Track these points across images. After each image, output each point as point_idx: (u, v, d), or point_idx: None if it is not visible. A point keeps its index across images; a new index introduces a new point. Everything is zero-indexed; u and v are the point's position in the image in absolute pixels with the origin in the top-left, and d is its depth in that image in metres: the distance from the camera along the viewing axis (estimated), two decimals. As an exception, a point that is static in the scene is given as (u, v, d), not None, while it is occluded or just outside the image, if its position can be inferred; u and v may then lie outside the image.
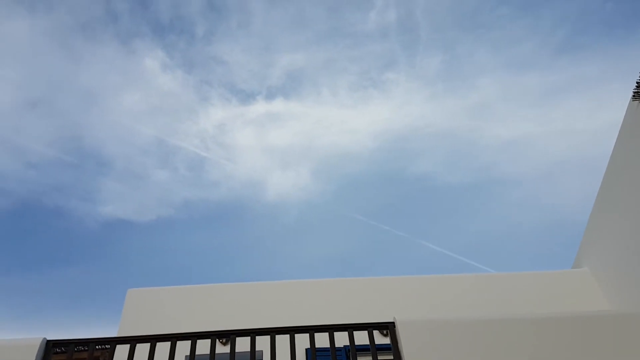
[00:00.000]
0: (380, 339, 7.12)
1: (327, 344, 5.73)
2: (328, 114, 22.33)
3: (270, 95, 22.99)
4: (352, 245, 23.78)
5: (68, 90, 22.85)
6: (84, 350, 6.50)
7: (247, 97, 23.25)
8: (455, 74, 20.99)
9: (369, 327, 5.53)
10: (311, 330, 5.40)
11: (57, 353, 5.56)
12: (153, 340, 5.27)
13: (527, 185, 22.42)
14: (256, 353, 6.50)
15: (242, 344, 5.77)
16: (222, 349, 7.91)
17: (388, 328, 5.65)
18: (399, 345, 5.48)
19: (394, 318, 5.68)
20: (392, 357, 6.78)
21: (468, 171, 22.05)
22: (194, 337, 5.31)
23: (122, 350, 5.75)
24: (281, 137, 23.11)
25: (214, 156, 23.32)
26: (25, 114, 22.35)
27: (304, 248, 23.58)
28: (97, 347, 5.49)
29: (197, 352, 5.50)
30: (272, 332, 5.35)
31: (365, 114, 22.06)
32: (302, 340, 6.24)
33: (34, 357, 5.28)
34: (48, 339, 5.50)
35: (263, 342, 5.84)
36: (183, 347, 5.68)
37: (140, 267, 23.57)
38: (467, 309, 8.44)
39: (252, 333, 5.35)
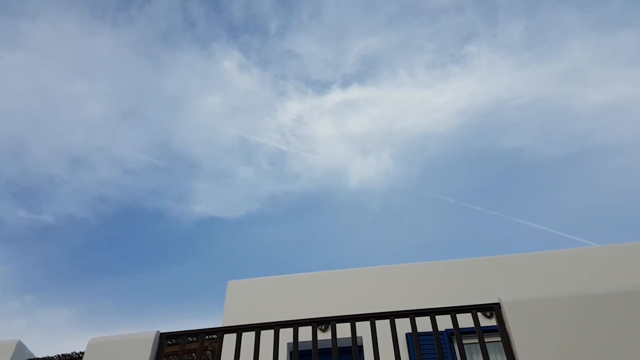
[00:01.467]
0: (483, 321, 6.88)
1: (427, 329, 5.60)
2: (406, 96, 21.89)
3: (345, 83, 22.90)
4: (442, 230, 23.25)
5: (155, 98, 24.06)
6: (194, 341, 6.81)
7: (322, 87, 23.31)
8: (541, 39, 19.81)
9: (473, 309, 5.33)
10: (412, 314, 5.29)
11: (170, 345, 5.85)
12: (257, 328, 5.40)
13: (628, 153, 20.79)
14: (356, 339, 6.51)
15: (341, 331, 5.79)
16: (321, 335, 8.02)
17: (493, 309, 5.43)
18: (506, 326, 5.24)
19: (499, 298, 5.44)
20: (498, 339, 6.53)
21: (563, 142, 20.80)
22: (295, 324, 5.38)
23: (227, 339, 5.97)
24: (360, 123, 22.97)
25: (294, 149, 23.64)
26: (119, 124, 23.84)
27: (391, 235, 23.38)
28: (206, 337, 5.72)
29: (299, 339, 5.59)
30: (372, 317, 5.30)
31: (446, 91, 21.40)
32: (403, 326, 6.15)
33: (150, 349, 5.59)
34: (160, 332, 5.81)
35: (362, 328, 5.83)
36: (284, 334, 5.77)
37: (233, 260, 24.46)
38: (574, 284, 7.97)
39: (352, 319, 5.33)
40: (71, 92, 22.89)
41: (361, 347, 7.24)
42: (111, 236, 25.35)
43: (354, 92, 22.57)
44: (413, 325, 5.28)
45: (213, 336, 6.09)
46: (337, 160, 23.64)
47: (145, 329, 6.04)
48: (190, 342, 6.41)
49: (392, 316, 5.30)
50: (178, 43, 23.75)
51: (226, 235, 25.90)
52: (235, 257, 24.59)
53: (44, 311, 22.99)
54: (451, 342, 7.29)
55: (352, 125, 22.96)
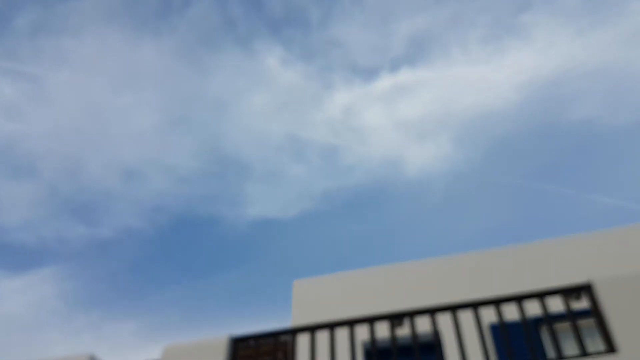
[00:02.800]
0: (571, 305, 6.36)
1: (511, 318, 5.21)
2: (462, 75, 21.14)
3: (394, 67, 22.37)
4: (512, 214, 22.33)
5: (201, 103, 24.33)
6: (266, 343, 6.67)
7: (370, 74, 22.86)
8: (600, 2, 18.62)
9: (563, 291, 4.89)
10: (497, 302, 4.91)
11: (242, 348, 5.72)
12: (332, 326, 5.18)
13: None
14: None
15: (419, 325, 5.46)
16: (397, 331, 7.71)
17: (584, 290, 4.96)
18: (599, 308, 4.78)
19: (590, 279, 4.97)
20: (588, 324, 6.01)
21: (633, 109, 19.50)
22: (371, 320, 5.12)
23: (300, 340, 5.78)
24: (413, 108, 22.40)
25: (345, 142, 23.30)
26: (168, 133, 24.27)
27: (457, 223, 22.67)
28: (280, 339, 5.56)
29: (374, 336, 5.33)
30: (454, 307, 4.97)
31: (504, 66, 20.50)
32: (485, 317, 5.75)
33: (223, 353, 5.48)
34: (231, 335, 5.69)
35: (441, 322, 5.48)
36: (358, 332, 5.51)
37: (292, 260, 24.43)
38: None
39: (432, 311, 5.02)
40: (119, 104, 23.45)
41: (439, 343, 6.88)
42: (170, 246, 25.85)
43: (405, 76, 22.03)
44: (499, 313, 4.90)
45: (284, 338, 5.92)
46: (392, 150, 23.17)
47: (211, 336, 5.94)
48: (262, 344, 6.26)
49: (475, 305, 4.95)
50: (220, 44, 23.90)
51: (283, 235, 25.92)
52: (295, 257, 24.56)
53: (110, 325, 23.58)
54: (538, 330, 6.82)
55: (405, 111, 22.44)
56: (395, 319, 5.20)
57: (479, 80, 20.81)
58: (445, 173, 22.90)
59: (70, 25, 22.47)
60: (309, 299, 8.23)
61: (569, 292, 4.95)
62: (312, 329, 5.24)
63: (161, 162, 24.00)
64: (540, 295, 4.89)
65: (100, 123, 23.80)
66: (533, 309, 5.49)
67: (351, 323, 5.15)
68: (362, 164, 23.58)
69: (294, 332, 5.33)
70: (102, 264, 25.07)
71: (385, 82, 22.44)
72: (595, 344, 5.83)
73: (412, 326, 5.06)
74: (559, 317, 5.45)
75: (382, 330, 5.56)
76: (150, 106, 23.84)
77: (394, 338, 5.02)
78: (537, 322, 6.72)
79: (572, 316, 4.81)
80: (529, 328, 4.67)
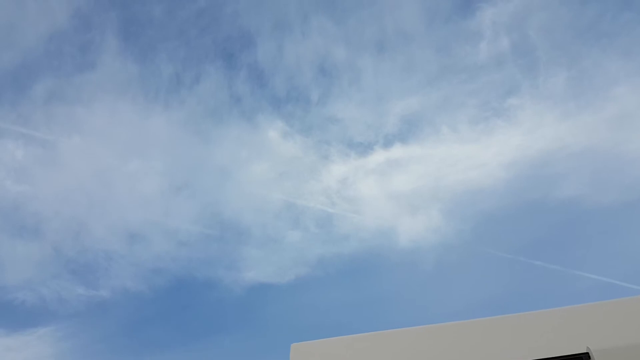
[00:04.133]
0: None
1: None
2: (451, 152, 21.91)
3: (388, 143, 23.17)
4: (501, 286, 22.44)
5: (205, 171, 24.90)
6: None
7: (365, 148, 23.65)
8: (586, 88, 19.72)
9: (562, 359, 5.02)
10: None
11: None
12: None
13: (691, 196, 19.94)
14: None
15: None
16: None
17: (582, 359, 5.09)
18: (598, 378, 4.90)
19: (588, 347, 5.12)
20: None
21: (619, 189, 20.15)
22: None
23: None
24: (405, 182, 22.99)
25: (340, 210, 23.72)
26: (172, 198, 24.66)
27: (447, 294, 22.69)
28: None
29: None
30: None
31: (492, 145, 21.32)
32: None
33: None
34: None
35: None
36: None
37: (287, 326, 24.06)
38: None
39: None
40: (127, 170, 24.00)
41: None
42: (166, 308, 25.56)
43: (397, 151, 22.77)
44: (499, 379, 4.99)
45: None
46: (385, 220, 23.52)
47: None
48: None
49: (475, 370, 5.04)
50: (225, 118, 24.87)
51: (278, 300, 25.72)
52: (289, 322, 24.23)
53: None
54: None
55: (398, 184, 23.00)
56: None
57: (468, 158, 21.60)
58: (436, 244, 23.17)
59: (84, 95, 23.41)
60: (306, 363, 8.16)
61: (568, 361, 5.07)
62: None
63: (163, 226, 24.23)
64: (540, 362, 5.01)
65: (107, 187, 24.26)
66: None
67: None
68: (357, 232, 23.86)
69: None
70: (100, 324, 24.67)
71: (378, 157, 23.18)
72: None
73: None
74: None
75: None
76: (156, 172, 24.42)
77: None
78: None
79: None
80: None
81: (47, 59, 24.74)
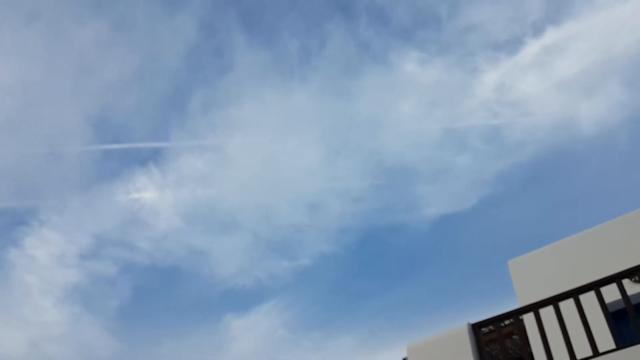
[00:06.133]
0: None
1: None
2: (614, 16, 19.14)
3: (537, 31, 21.04)
4: None
5: (356, 127, 25.24)
6: (504, 325, 6.66)
7: (514, 45, 21.78)
8: None
9: None
10: None
11: (485, 333, 5.80)
12: (574, 294, 5.04)
13: None
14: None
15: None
16: (633, 289, 7.12)
17: None
18: None
19: None
20: None
21: None
22: (596, 285, 4.89)
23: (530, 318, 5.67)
24: (570, 65, 20.75)
25: (506, 119, 22.33)
26: (334, 161, 25.60)
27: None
28: (519, 317, 5.54)
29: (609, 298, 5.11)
30: None
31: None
32: None
33: (468, 340, 5.61)
34: (470, 322, 5.81)
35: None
36: (586, 300, 5.26)
37: (483, 249, 23.66)
38: None
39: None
40: (287, 149, 25.45)
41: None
42: (362, 261, 26.92)
43: (552, 36, 20.55)
44: None
45: (519, 317, 5.86)
46: (560, 113, 21.59)
47: (450, 327, 6.09)
48: (501, 327, 6.26)
49: None
50: (359, 69, 24.78)
51: (466, 227, 25.44)
52: (484, 246, 23.88)
53: (331, 343, 25.16)
54: None
55: (563, 70, 20.84)
56: (628, 276, 4.89)
57: (635, 15, 18.61)
58: (626, 120, 20.64)
59: (232, 95, 25.18)
60: (530, 275, 8.00)
61: None
62: (554, 301, 5.14)
63: (335, 189, 25.40)
64: None
65: (277, 170, 26.07)
66: None
67: (595, 286, 4.96)
68: (531, 136, 22.32)
69: (535, 307, 5.27)
70: (310, 289, 27.12)
71: (532, 48, 21.15)
72: None
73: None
74: None
75: (611, 294, 5.26)
76: (313, 143, 25.51)
77: (626, 298, 4.72)
78: None
79: None
80: None
81: (191, 74, 26.96)
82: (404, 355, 7.01)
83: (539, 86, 21.46)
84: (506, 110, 22.16)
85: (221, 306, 27.44)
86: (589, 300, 5.12)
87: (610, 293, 5.34)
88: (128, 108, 26.03)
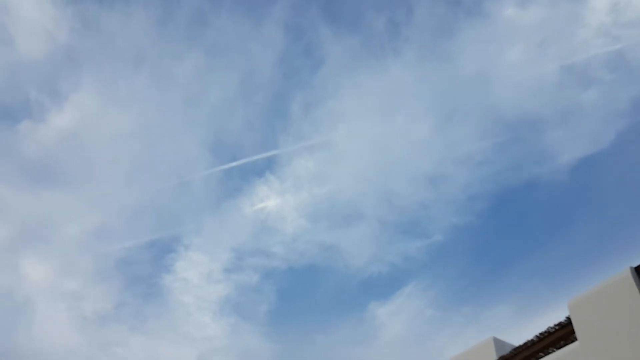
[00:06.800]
0: None
1: None
2: None
3: None
4: None
5: (464, 87, 24.06)
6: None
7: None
8: None
9: None
10: None
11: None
12: None
13: None
14: None
15: None
16: None
17: None
18: None
19: None
20: None
21: None
22: None
23: None
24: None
25: (629, 40, 19.95)
26: (449, 128, 24.60)
27: None
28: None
29: None
30: None
31: None
32: None
33: (632, 284, 5.04)
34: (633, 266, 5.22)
35: None
36: None
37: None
38: None
39: None
40: (399, 126, 24.98)
41: None
42: (499, 226, 25.70)
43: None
44: None
45: None
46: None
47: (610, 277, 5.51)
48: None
49: None
50: (454, 26, 23.61)
51: (608, 167, 23.26)
52: (635, 182, 21.51)
53: (485, 315, 24.31)
54: None
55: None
56: None
57: None
58: None
59: (329, 89, 25.53)
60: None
61: None
62: None
63: (455, 156, 25.16)
64: None
65: (389, 151, 26.21)
66: None
67: None
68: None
69: None
70: (449, 265, 26.59)
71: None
72: None
73: None
74: None
75: None
76: (421, 115, 25.31)
77: None
78: None
79: None
80: None
81: (287, 80, 27.61)
82: (566, 314, 6.49)
83: None
84: (626, 31, 19.89)
85: (362, 296, 27.79)
86: None
87: None
88: (237, 126, 27.33)
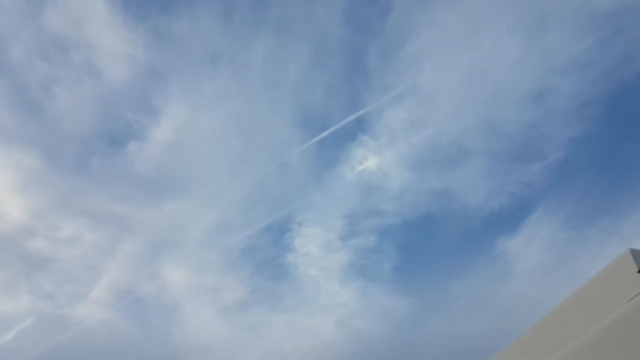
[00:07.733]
0: None
1: None
2: None
3: None
4: None
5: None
6: None
7: None
8: None
9: None
10: None
11: None
12: None
13: None
14: None
15: None
16: None
17: None
18: None
19: None
20: None
21: None
22: None
23: None
24: None
25: None
26: (539, 37, 22.63)
27: None
28: None
29: None
30: None
31: None
32: None
33: None
34: None
35: None
36: None
37: None
38: None
39: None
40: (483, 52, 23.42)
41: None
42: (623, 126, 23.49)
43: None
44: None
45: None
46: None
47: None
48: None
49: None
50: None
51: None
52: None
53: (625, 225, 22.65)
54: None
55: None
56: None
57: None
58: None
59: (403, 31, 24.40)
60: None
61: None
62: None
63: (556, 67, 23.61)
64: None
65: (482, 78, 24.74)
66: None
67: None
68: None
69: None
70: (575, 178, 25.69)
71: None
72: None
73: None
74: None
75: None
76: (510, 30, 23.53)
77: None
78: None
79: None
80: None
81: (357, 33, 26.84)
82: None
83: None
84: None
85: (488, 233, 26.95)
86: None
87: None
88: (319, 95, 27.25)
